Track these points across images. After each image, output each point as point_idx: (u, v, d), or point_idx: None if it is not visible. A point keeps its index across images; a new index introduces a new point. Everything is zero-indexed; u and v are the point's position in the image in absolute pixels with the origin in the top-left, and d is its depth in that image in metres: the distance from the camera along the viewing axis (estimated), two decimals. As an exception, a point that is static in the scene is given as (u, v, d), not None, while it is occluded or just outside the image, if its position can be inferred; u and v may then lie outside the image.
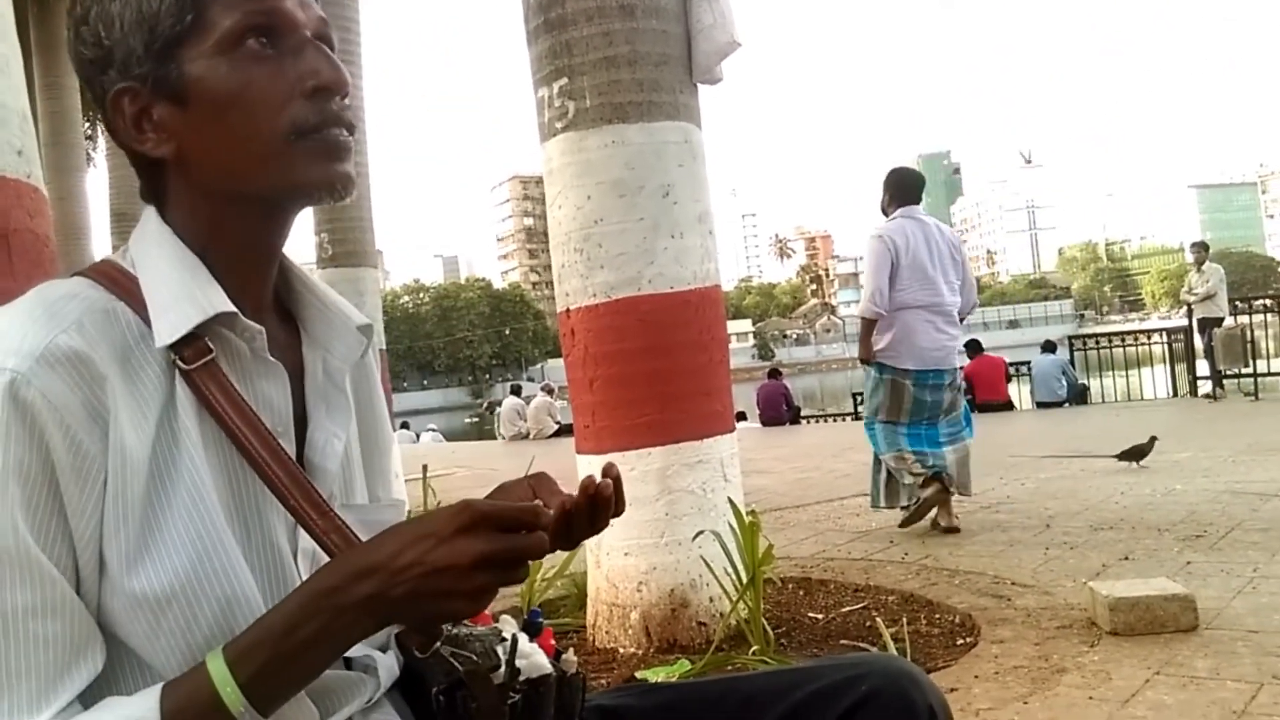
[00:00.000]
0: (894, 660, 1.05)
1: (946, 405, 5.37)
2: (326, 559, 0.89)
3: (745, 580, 3.35)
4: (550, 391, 19.09)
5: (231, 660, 0.79)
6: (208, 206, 0.90)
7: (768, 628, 3.41)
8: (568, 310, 3.72)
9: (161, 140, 0.88)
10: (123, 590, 0.81)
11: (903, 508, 5.40)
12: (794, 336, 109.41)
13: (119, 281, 0.87)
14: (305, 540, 0.92)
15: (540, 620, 1.05)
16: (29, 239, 1.03)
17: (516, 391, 19.98)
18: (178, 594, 0.82)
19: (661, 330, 3.58)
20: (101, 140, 13.01)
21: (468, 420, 51.90)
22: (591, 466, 3.65)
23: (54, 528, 0.78)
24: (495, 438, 20.91)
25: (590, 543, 3.79)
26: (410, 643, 1.00)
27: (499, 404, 19.48)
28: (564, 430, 16.47)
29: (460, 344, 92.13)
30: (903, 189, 5.50)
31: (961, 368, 5.57)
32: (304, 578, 0.88)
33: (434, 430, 24.85)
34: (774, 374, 18.20)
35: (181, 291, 0.87)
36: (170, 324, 0.85)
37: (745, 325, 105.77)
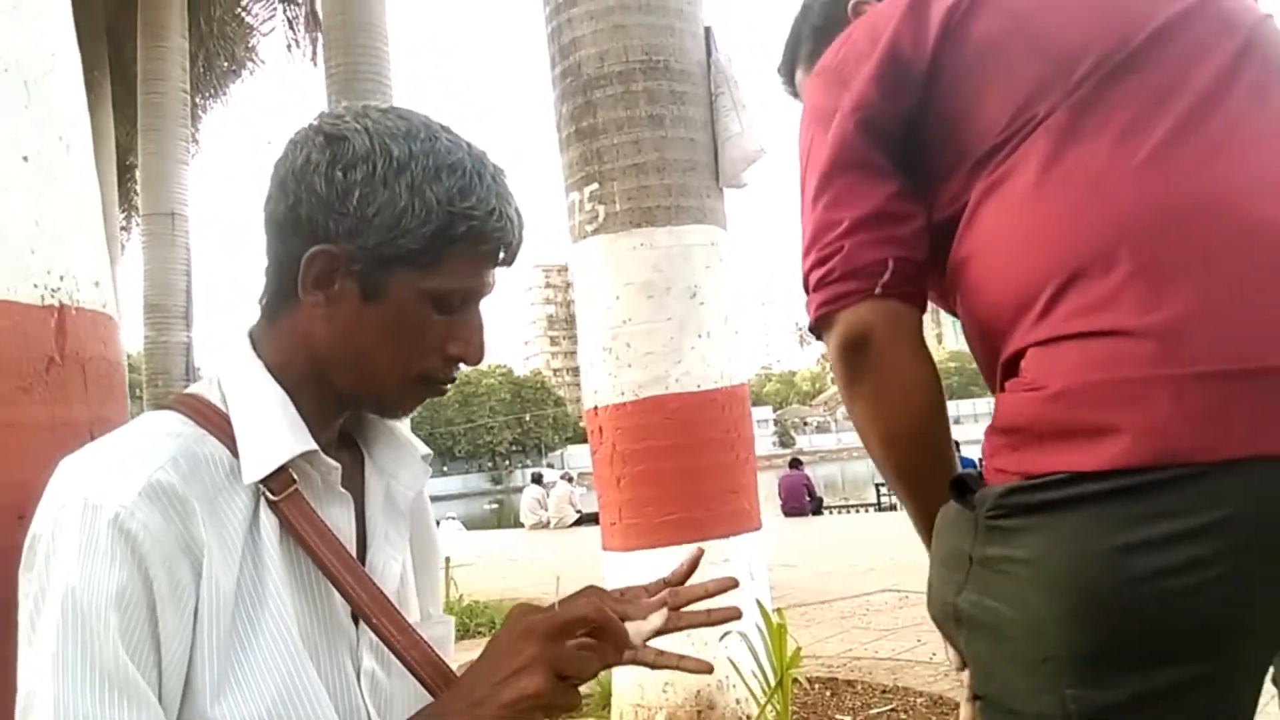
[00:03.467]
0: None
1: None
2: (384, 677, 0.96)
3: (773, 683, 3.32)
4: (570, 480, 19.06)
5: None
6: (310, 365, 0.96)
7: (796, 732, 3.36)
8: (595, 408, 3.76)
9: (324, 307, 0.93)
10: (208, 718, 0.84)
11: None
12: (814, 424, 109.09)
13: (209, 417, 0.92)
14: (366, 660, 0.97)
15: None
16: (103, 366, 1.08)
17: (538, 480, 19.96)
18: (265, 719, 0.86)
19: (688, 429, 3.61)
20: (136, 232, 13.33)
21: (487, 506, 51.70)
22: (618, 564, 3.65)
23: (146, 654, 0.81)
24: (515, 525, 20.81)
25: (616, 642, 3.76)
26: None
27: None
28: (585, 519, 16.40)
29: (481, 430, 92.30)
30: None
31: None
32: (365, 697, 0.94)
33: (454, 518, 24.75)
34: (795, 464, 18.11)
35: (273, 430, 0.92)
36: (261, 461, 0.90)
37: (766, 413, 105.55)
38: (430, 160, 0.91)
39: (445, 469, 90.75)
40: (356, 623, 0.97)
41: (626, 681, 3.67)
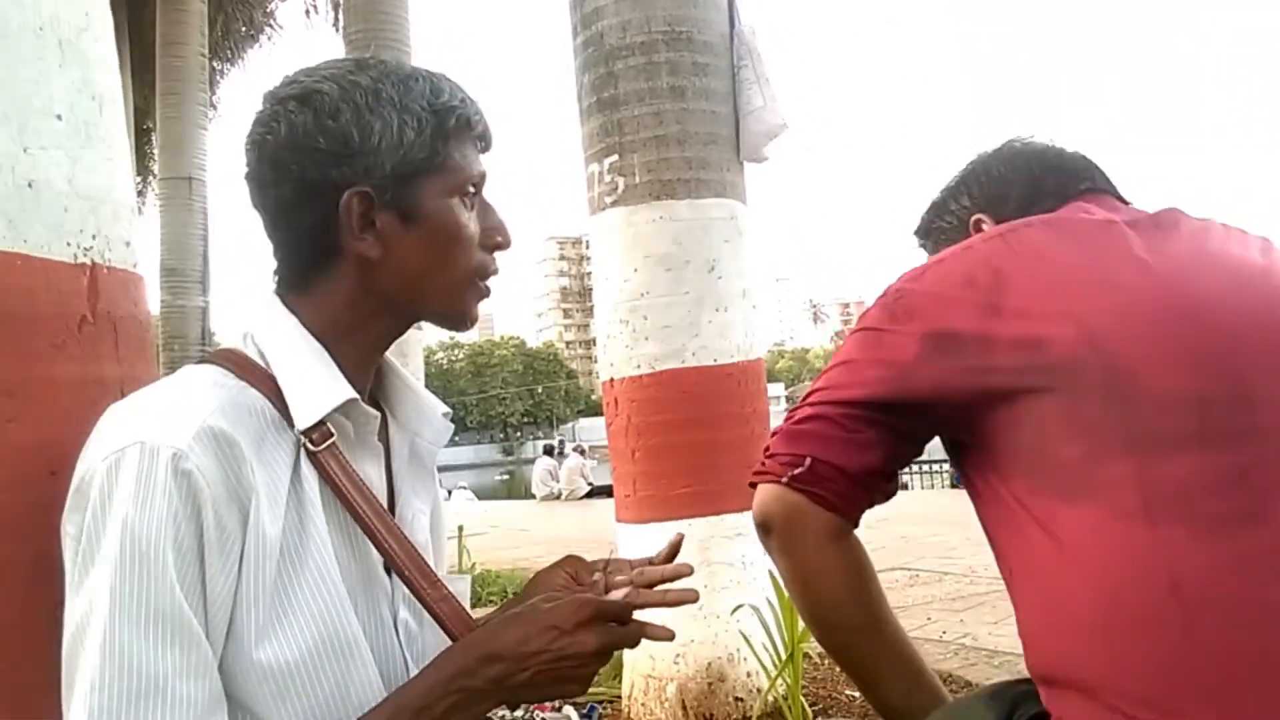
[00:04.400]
0: None
1: None
2: (416, 629, 1.01)
3: (784, 656, 3.34)
4: (582, 452, 19.11)
5: None
6: (368, 306, 0.99)
7: (805, 706, 3.39)
8: (611, 380, 3.77)
9: (376, 245, 0.96)
10: (251, 660, 0.86)
11: None
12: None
13: (250, 370, 0.94)
14: (401, 612, 1.01)
15: (597, 712, 1.14)
16: (133, 325, 1.09)
17: (549, 452, 20.01)
18: (306, 663, 0.88)
19: (704, 403, 3.61)
20: (152, 195, 13.35)
21: (498, 478, 51.96)
22: (631, 535, 3.67)
23: (196, 595, 0.83)
24: (526, 496, 20.92)
25: (627, 612, 3.79)
26: None
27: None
28: (596, 491, 16.45)
29: (493, 401, 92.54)
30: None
31: None
32: (403, 646, 0.99)
33: (465, 488, 24.86)
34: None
35: (317, 380, 0.94)
36: (311, 408, 0.93)
37: (778, 390, 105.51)
38: (393, 78, 0.97)
39: (457, 439, 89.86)
40: (390, 575, 0.99)
41: (638, 653, 3.69)
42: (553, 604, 0.93)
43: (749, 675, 3.53)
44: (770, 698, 3.41)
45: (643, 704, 3.63)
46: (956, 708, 1.14)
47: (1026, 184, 1.30)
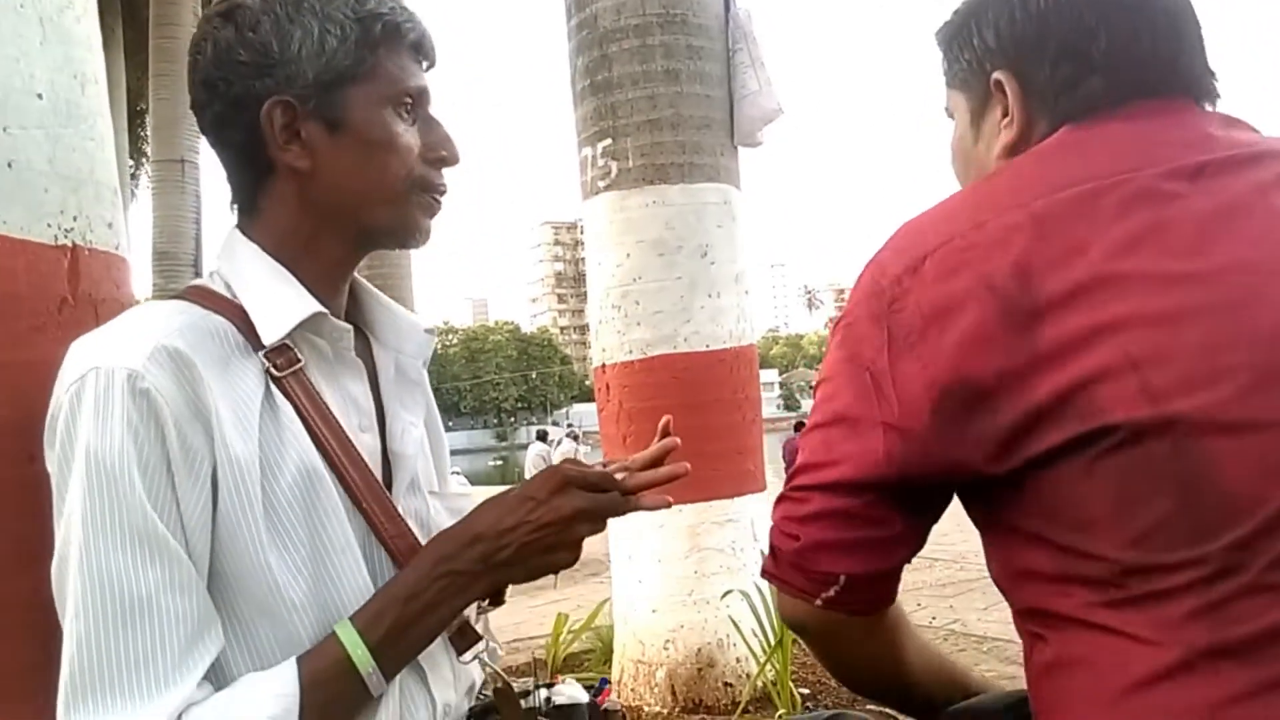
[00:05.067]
0: None
1: None
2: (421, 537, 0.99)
3: (773, 642, 3.34)
4: (576, 438, 19.09)
5: (360, 628, 0.87)
6: (311, 223, 0.98)
7: (795, 691, 3.40)
8: (604, 365, 3.76)
9: (303, 155, 0.95)
10: (264, 564, 0.86)
11: None
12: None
13: (212, 299, 0.94)
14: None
15: (605, 684, 1.13)
16: (115, 308, 1.08)
17: (542, 437, 19.95)
18: (305, 569, 0.89)
19: (696, 388, 3.61)
20: (145, 178, 13.29)
21: (491, 463, 51.97)
22: (623, 519, 3.67)
23: (171, 514, 0.83)
24: (519, 481, 20.89)
25: (618, 598, 3.80)
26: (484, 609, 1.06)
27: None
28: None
29: (487, 386, 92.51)
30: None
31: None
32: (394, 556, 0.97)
33: (458, 473, 24.85)
34: (800, 427, 18.13)
35: (279, 298, 0.94)
36: (273, 325, 0.92)
37: (772, 375, 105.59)
38: None
39: (450, 424, 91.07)
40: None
41: (628, 639, 3.70)
42: (526, 481, 0.95)
43: (738, 661, 3.54)
44: (759, 683, 3.42)
45: (633, 689, 3.64)
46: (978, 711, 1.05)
47: (1073, 36, 0.92)
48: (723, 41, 3.72)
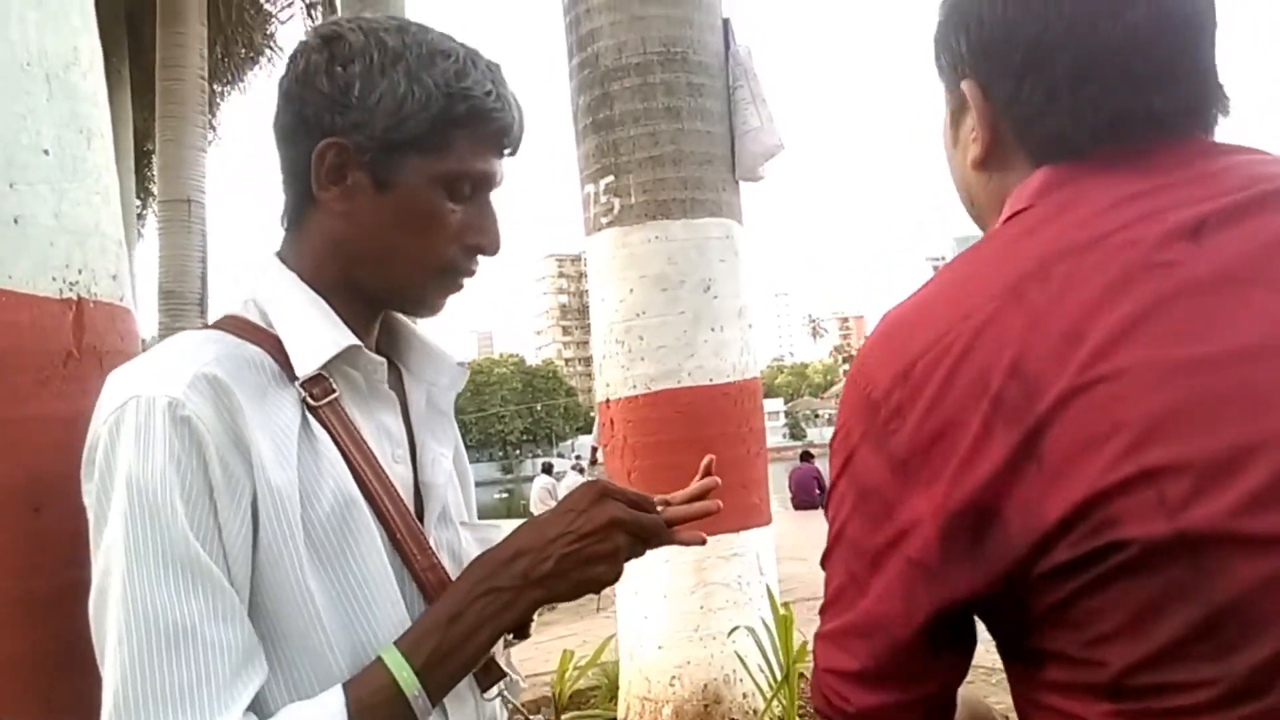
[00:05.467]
0: None
1: None
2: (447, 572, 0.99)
3: (780, 677, 3.32)
4: (581, 470, 19.06)
5: (405, 651, 0.88)
6: (339, 264, 0.98)
7: (803, 727, 3.37)
8: (608, 400, 3.77)
9: (341, 200, 0.95)
10: (306, 593, 0.86)
11: None
12: (826, 416, 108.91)
13: (248, 330, 0.94)
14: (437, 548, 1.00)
15: None
16: (121, 360, 1.08)
17: (548, 470, 19.94)
18: (342, 596, 0.90)
19: (700, 422, 3.61)
20: (152, 219, 13.37)
21: (497, 496, 51.85)
22: (628, 557, 3.66)
23: (213, 542, 0.82)
24: (524, 514, 20.86)
25: (623, 633, 3.78)
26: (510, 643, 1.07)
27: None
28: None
29: (492, 419, 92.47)
30: None
31: None
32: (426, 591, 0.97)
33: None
34: (806, 457, 18.08)
35: (315, 329, 0.94)
36: (308, 357, 0.93)
37: (778, 405, 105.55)
38: (424, 48, 0.94)
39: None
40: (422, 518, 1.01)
41: (634, 675, 3.68)
42: (567, 495, 0.96)
43: (745, 696, 3.52)
44: (766, 719, 3.39)
45: (640, 726, 3.62)
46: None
47: (1039, 52, 0.82)
48: (723, 79, 3.75)
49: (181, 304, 9.01)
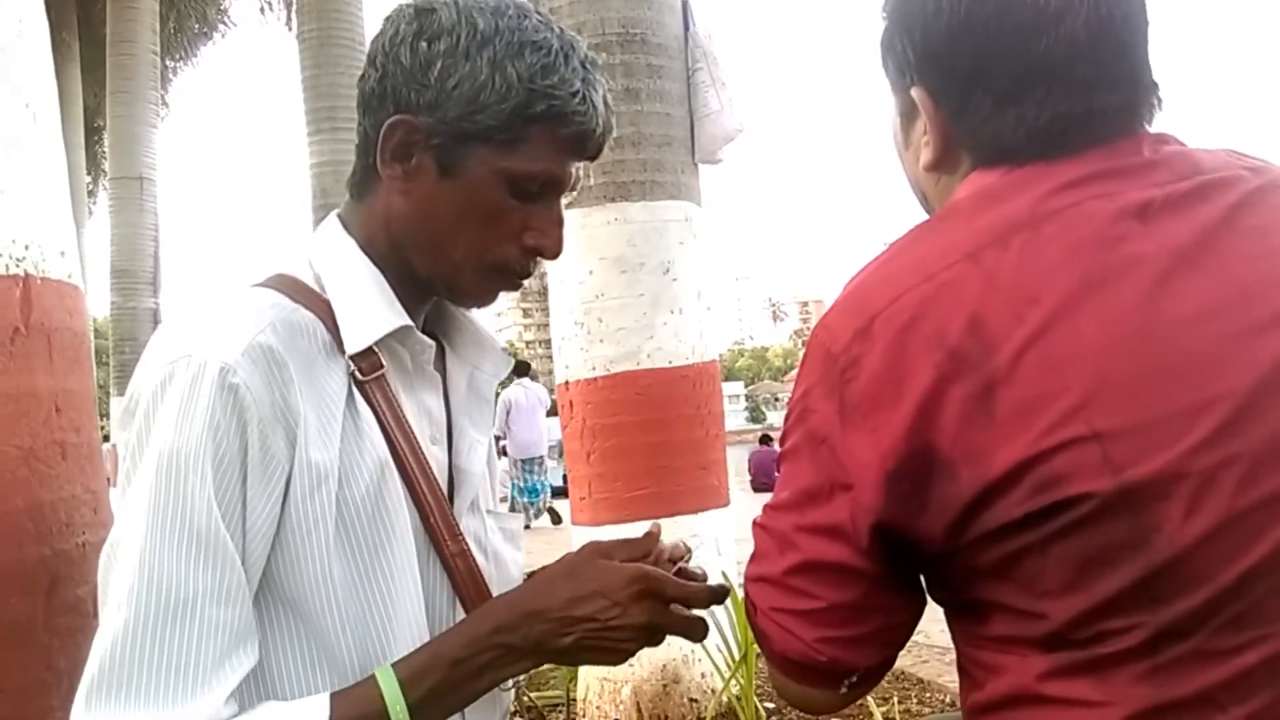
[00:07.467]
0: None
1: None
2: (483, 562, 0.99)
3: (738, 657, 3.35)
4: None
5: (403, 680, 0.85)
6: (397, 241, 0.96)
7: (760, 705, 3.41)
8: (566, 383, 3.77)
9: (402, 180, 0.93)
10: (326, 574, 0.86)
11: None
12: (786, 400, 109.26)
13: (304, 293, 0.93)
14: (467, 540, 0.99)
15: None
16: (68, 337, 1.07)
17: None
18: (360, 581, 0.88)
19: (659, 404, 3.62)
20: (104, 196, 13.13)
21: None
22: (587, 538, 3.66)
23: (236, 516, 0.82)
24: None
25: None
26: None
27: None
28: (555, 492, 16.41)
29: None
30: None
31: None
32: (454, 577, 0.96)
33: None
34: (765, 440, 18.18)
35: (369, 305, 0.93)
36: (360, 334, 0.91)
37: (738, 388, 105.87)
38: (515, 36, 0.90)
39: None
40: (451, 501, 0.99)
41: (593, 654, 3.70)
42: (607, 568, 0.91)
43: (703, 676, 3.55)
44: (724, 698, 3.42)
45: (598, 707, 3.64)
46: None
47: (984, 61, 0.84)
48: (682, 61, 3.74)
49: (134, 282, 8.89)
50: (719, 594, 0.95)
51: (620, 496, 3.61)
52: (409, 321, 0.94)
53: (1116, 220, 0.79)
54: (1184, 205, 0.80)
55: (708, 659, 3.47)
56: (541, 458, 11.97)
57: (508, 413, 11.25)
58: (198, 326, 0.86)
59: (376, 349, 0.92)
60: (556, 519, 11.08)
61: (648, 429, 3.61)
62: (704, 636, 0.95)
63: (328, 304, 0.92)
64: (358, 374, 0.91)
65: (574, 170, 0.96)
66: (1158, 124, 0.88)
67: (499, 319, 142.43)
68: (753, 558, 0.90)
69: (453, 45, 0.89)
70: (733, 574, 3.61)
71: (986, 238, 0.80)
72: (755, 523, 0.90)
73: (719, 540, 3.68)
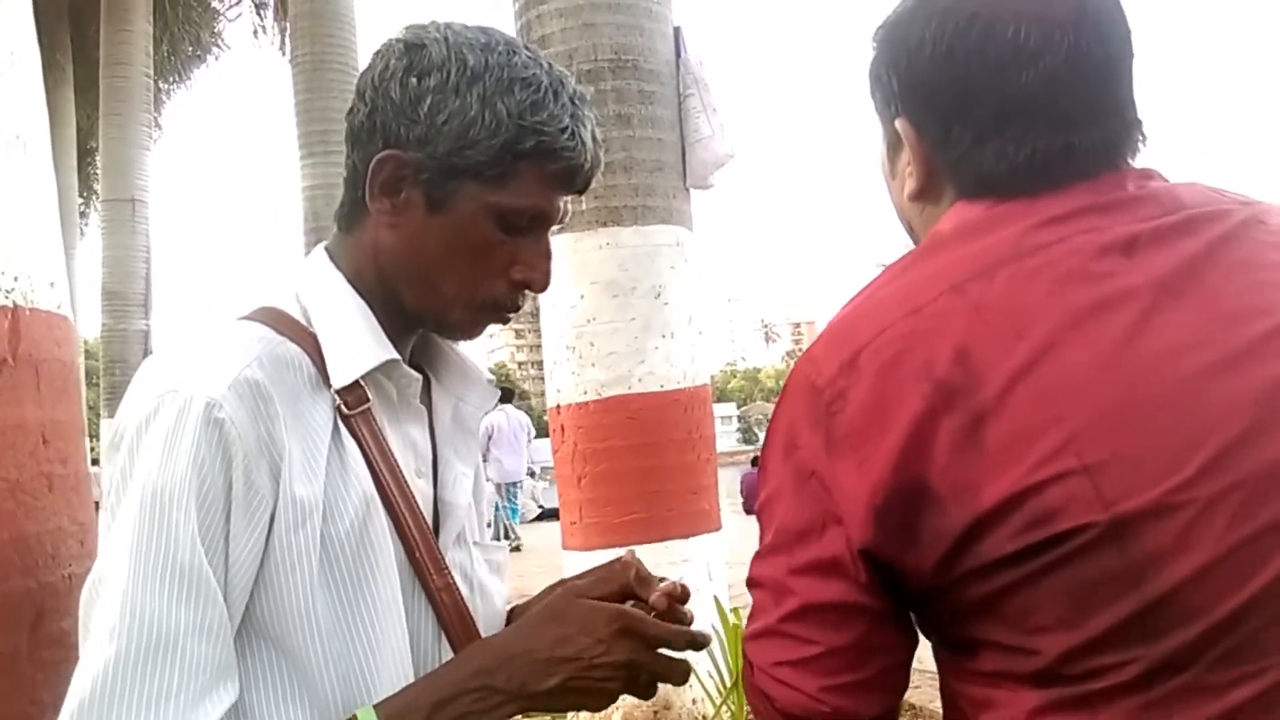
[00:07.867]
0: None
1: None
2: (469, 596, 0.98)
3: (729, 684, 3.34)
4: (533, 474, 18.97)
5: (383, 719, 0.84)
6: (384, 275, 0.96)
7: (751, 732, 3.39)
8: (558, 406, 3.77)
9: (391, 214, 0.93)
10: (309, 609, 0.85)
11: None
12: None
13: (290, 327, 0.92)
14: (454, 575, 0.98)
15: None
16: (56, 367, 1.07)
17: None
18: (345, 618, 0.87)
19: (650, 429, 3.62)
20: (95, 218, 13.13)
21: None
22: (578, 562, 3.66)
23: (219, 551, 0.81)
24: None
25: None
26: None
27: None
28: (546, 514, 16.36)
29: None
30: None
31: None
32: (439, 613, 0.95)
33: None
34: (758, 462, 18.15)
35: (356, 339, 0.92)
36: (346, 368, 0.91)
37: (730, 409, 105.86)
38: (505, 72, 0.90)
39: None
40: (435, 538, 0.98)
41: (584, 680, 3.68)
42: (588, 607, 0.91)
43: (694, 703, 3.53)
44: (716, 724, 3.41)
45: (589, 732, 3.62)
46: None
47: (964, 98, 0.85)
48: (674, 86, 3.77)
49: (125, 305, 8.87)
50: (699, 642, 0.94)
51: (611, 521, 3.60)
52: (395, 355, 0.94)
53: (1102, 255, 0.79)
54: (1169, 240, 0.80)
55: (699, 685, 3.45)
56: (520, 483, 12.33)
57: (489, 438, 11.26)
58: (184, 361, 0.86)
59: (362, 382, 0.92)
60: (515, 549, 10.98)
61: (639, 453, 3.60)
62: (684, 681, 0.93)
63: (314, 337, 0.92)
64: (343, 408, 0.90)
65: (562, 204, 0.97)
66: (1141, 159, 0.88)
67: (491, 340, 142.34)
68: (750, 617, 0.89)
69: (443, 81, 0.90)
70: (725, 600, 3.60)
71: (972, 270, 0.80)
72: (748, 580, 0.88)
73: (710, 565, 3.67)
